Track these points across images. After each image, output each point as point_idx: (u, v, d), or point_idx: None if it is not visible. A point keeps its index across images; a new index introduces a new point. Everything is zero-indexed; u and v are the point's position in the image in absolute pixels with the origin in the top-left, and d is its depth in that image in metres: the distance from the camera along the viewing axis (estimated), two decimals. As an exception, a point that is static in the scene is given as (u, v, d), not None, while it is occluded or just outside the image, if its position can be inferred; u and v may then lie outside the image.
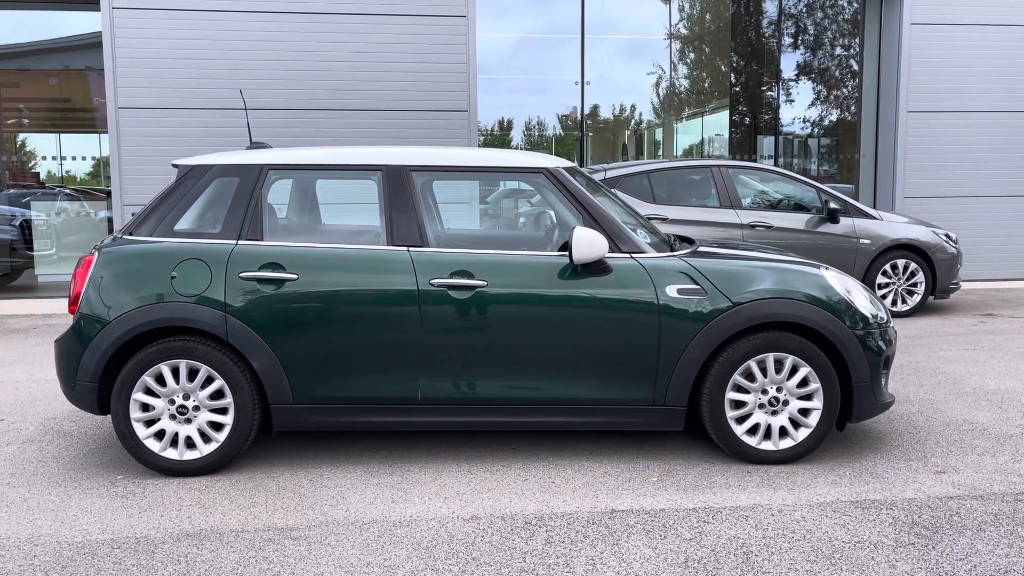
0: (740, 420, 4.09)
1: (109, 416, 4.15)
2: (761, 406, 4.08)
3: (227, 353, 3.93)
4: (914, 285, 8.35)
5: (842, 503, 3.63)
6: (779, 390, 4.06)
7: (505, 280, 3.96)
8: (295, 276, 3.93)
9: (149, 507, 3.64)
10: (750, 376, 4.05)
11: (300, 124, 9.60)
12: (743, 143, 13.96)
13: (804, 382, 4.06)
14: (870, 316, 4.11)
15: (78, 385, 3.97)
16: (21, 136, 11.91)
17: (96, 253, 4.05)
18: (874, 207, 11.34)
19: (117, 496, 3.76)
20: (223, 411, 3.98)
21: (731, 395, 4.04)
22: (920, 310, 8.43)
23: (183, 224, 4.07)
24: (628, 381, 4.00)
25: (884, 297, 8.29)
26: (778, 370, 4.05)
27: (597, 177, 8.04)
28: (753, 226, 7.98)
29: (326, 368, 3.94)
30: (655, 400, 4.03)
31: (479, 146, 10.12)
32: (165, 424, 3.97)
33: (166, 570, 3.06)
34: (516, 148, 13.24)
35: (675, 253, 4.14)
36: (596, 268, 3.99)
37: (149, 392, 3.95)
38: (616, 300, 3.97)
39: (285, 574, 3.03)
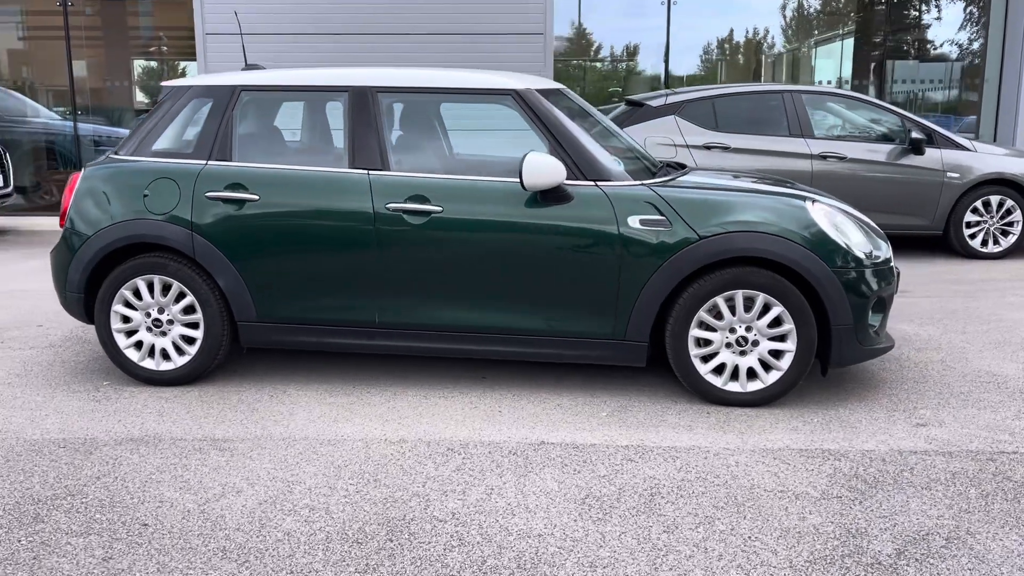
0: (706, 359, 3.89)
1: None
2: (728, 345, 3.86)
3: (195, 270, 4.06)
4: (1010, 224, 7.62)
5: (789, 451, 3.42)
6: (748, 329, 3.83)
7: (461, 206, 3.89)
8: (256, 197, 3.99)
9: (114, 412, 3.85)
10: (718, 314, 3.83)
11: (365, 51, 9.65)
12: (863, 69, 13.01)
13: (777, 322, 3.82)
14: (858, 254, 3.79)
15: (68, 295, 4.21)
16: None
17: (82, 172, 4.24)
18: (994, 140, 10.38)
19: (92, 400, 4.00)
20: (195, 326, 4.13)
21: (696, 332, 3.85)
22: (1015, 252, 7.71)
23: (161, 144, 4.19)
24: (587, 314, 3.87)
25: (973, 237, 7.62)
26: (748, 308, 3.82)
27: (656, 103, 7.71)
28: (824, 156, 7.47)
29: (287, 288, 4.01)
30: (615, 334, 3.89)
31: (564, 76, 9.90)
32: (143, 336, 4.17)
33: (92, 470, 3.25)
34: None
35: (644, 182, 3.93)
36: (555, 195, 3.85)
37: (128, 305, 4.15)
38: (575, 229, 3.83)
39: (193, 481, 3.15)
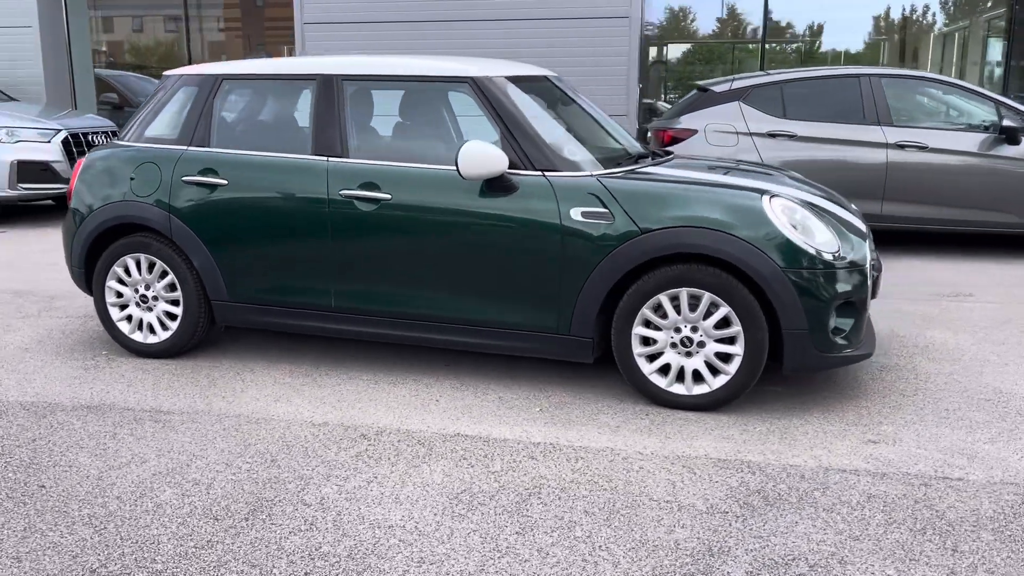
0: (652, 359, 3.74)
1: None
2: (674, 346, 3.70)
3: (174, 250, 4.29)
4: (1122, 225, 6.82)
5: (705, 460, 3.25)
6: (694, 330, 3.65)
7: (410, 194, 3.90)
8: (225, 182, 4.16)
9: (92, 380, 4.14)
10: (664, 312, 3.67)
11: (448, 37, 9.75)
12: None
13: (725, 323, 3.61)
14: (818, 253, 3.52)
15: (72, 269, 4.55)
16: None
17: (87, 155, 4.55)
18: None
19: (82, 369, 4.31)
20: (177, 303, 4.37)
21: (640, 330, 3.70)
22: None
23: (153, 130, 4.44)
24: (532, 306, 3.81)
25: (1076, 237, 6.87)
26: (694, 307, 3.63)
27: (720, 88, 7.39)
28: (902, 146, 6.93)
29: (253, 269, 4.17)
30: (559, 329, 3.80)
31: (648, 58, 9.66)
32: (132, 310, 4.45)
33: (34, 432, 3.51)
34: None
35: (594, 172, 3.80)
36: (501, 185, 3.79)
37: (120, 281, 4.43)
38: (519, 219, 3.76)
39: (111, 449, 3.35)
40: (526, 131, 3.85)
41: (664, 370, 3.73)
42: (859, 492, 2.99)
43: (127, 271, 4.41)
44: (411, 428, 3.55)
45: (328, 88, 4.11)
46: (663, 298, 3.64)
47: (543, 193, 3.74)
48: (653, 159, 4.30)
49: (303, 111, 4.25)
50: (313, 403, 3.83)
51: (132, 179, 4.31)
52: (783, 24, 12.44)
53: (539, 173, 3.79)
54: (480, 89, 3.93)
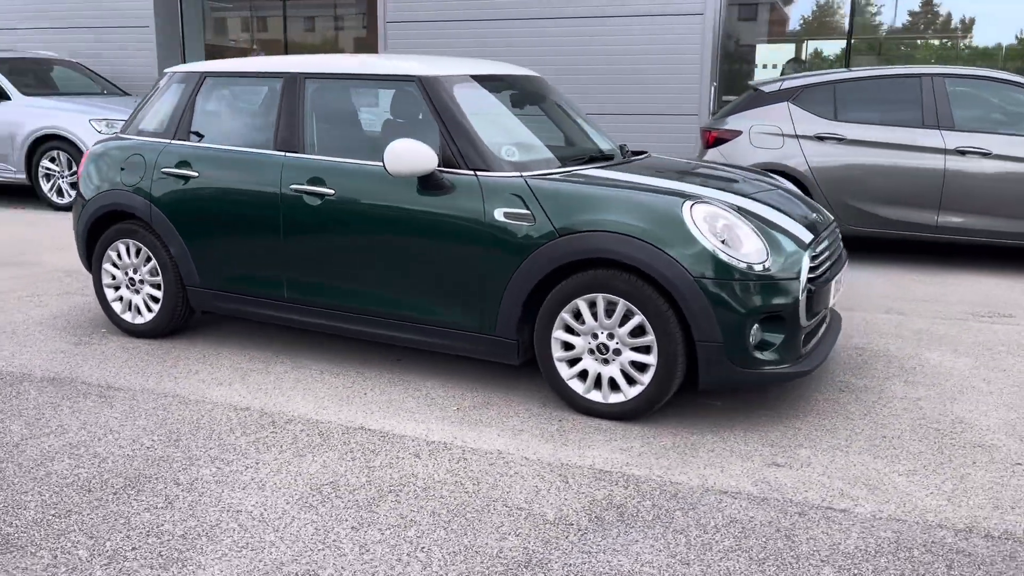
0: (573, 363, 3.68)
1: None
2: (591, 352, 3.62)
3: (156, 237, 4.56)
4: None
5: (586, 470, 3.18)
6: (611, 337, 3.57)
7: (352, 190, 3.99)
8: (196, 174, 4.38)
9: (75, 355, 4.46)
10: (583, 317, 3.61)
11: (524, 35, 9.77)
12: None
13: (641, 331, 3.51)
14: (736, 264, 3.36)
15: (78, 250, 4.92)
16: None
17: (91, 146, 4.90)
18: None
19: (73, 344, 4.65)
20: (159, 287, 4.64)
21: (559, 334, 3.65)
22: None
23: (146, 124, 4.73)
24: (461, 305, 3.82)
25: None
26: (611, 314, 3.55)
27: (770, 88, 7.09)
28: (962, 152, 6.43)
29: (219, 258, 4.38)
30: (486, 329, 3.80)
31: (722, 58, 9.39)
32: (123, 292, 4.76)
33: (-7, 400, 3.84)
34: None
35: (524, 172, 3.77)
36: (432, 183, 3.82)
37: (114, 264, 4.75)
38: (447, 218, 3.78)
39: (46, 419, 3.62)
40: (463, 130, 3.86)
41: (585, 376, 3.66)
42: (724, 516, 2.85)
43: (119, 255, 4.71)
44: (321, 419, 3.64)
45: (292, 86, 4.26)
46: (581, 303, 3.57)
47: (472, 192, 3.75)
48: (621, 159, 4.21)
49: (272, 108, 4.41)
50: (251, 389, 3.98)
51: (122, 169, 4.61)
52: (933, 16, 11.60)
53: (471, 172, 3.79)
54: (424, 88, 3.97)
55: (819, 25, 11.36)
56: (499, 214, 3.67)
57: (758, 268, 3.39)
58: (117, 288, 4.78)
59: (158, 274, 4.60)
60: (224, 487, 3.04)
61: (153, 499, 2.95)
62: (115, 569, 2.54)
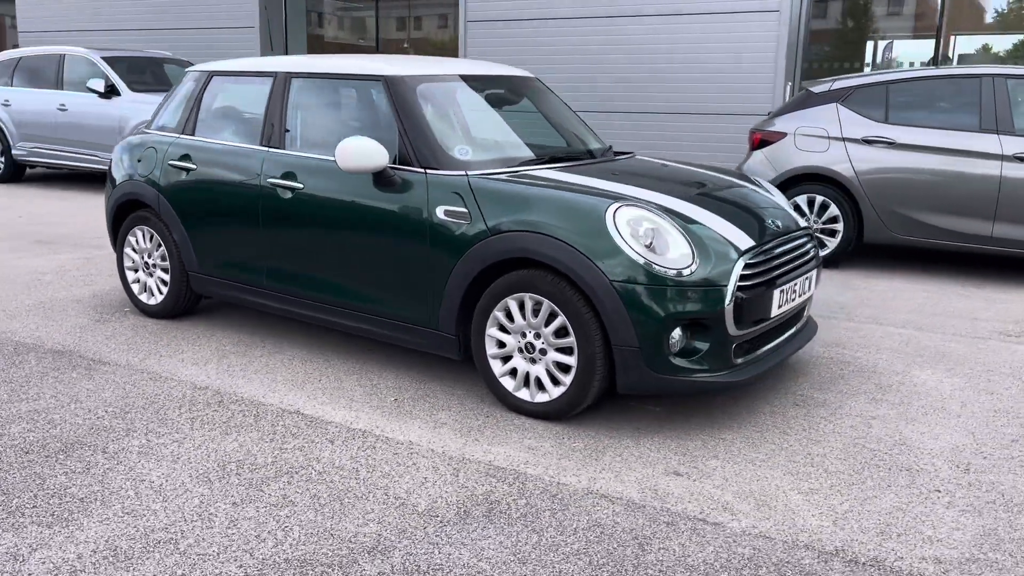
0: (506, 360, 3.73)
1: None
2: (521, 351, 3.66)
3: (163, 225, 4.90)
4: None
5: (482, 466, 3.23)
6: (537, 337, 3.60)
7: (317, 185, 4.17)
8: (194, 167, 4.69)
9: (89, 331, 4.86)
10: (512, 315, 3.65)
11: (602, 33, 9.75)
12: None
13: (565, 332, 3.53)
14: (655, 268, 3.33)
15: (108, 232, 5.34)
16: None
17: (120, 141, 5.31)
18: None
19: (93, 321, 5.06)
20: (167, 270, 4.99)
21: (492, 332, 3.71)
22: None
23: (163, 120, 5.08)
24: (407, 299, 3.94)
25: None
26: (538, 314, 3.58)
27: (819, 88, 6.82)
28: (1021, 158, 6.00)
29: (212, 246, 4.66)
30: (430, 323, 3.90)
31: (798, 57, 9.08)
32: (140, 274, 5.14)
33: (-4, 367, 4.26)
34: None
35: (469, 171, 3.84)
36: (384, 180, 3.95)
37: (133, 249, 5.14)
38: (396, 214, 3.91)
39: (29, 386, 3.97)
40: (417, 129, 3.97)
41: (515, 374, 3.70)
42: (590, 519, 2.84)
43: (137, 240, 5.09)
44: (265, 401, 3.84)
45: (279, 84, 4.48)
46: (511, 302, 3.62)
47: (419, 189, 3.85)
48: (592, 159, 4.24)
49: (263, 105, 4.64)
50: (220, 370, 4.24)
51: (139, 161, 4.98)
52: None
53: (421, 170, 3.89)
54: (387, 88, 4.10)
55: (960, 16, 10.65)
56: (440, 212, 3.76)
57: (679, 274, 3.33)
58: (136, 270, 5.15)
59: (167, 259, 4.94)
60: (143, 458, 3.27)
61: (75, 464, 3.22)
62: (8, 524, 2.80)
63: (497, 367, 3.72)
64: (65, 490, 3.02)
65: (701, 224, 3.54)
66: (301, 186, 4.20)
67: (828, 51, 10.57)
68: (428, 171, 3.87)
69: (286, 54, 12.65)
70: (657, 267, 3.32)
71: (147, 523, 2.81)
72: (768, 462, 3.28)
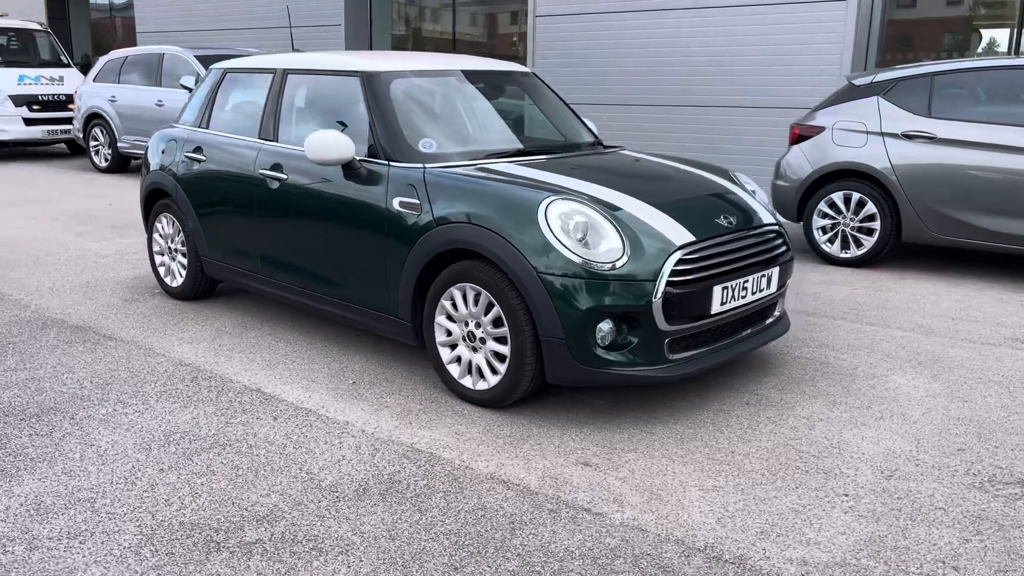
0: (453, 347, 3.85)
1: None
2: (465, 339, 3.76)
3: (181, 212, 5.24)
4: None
5: (404, 448, 3.35)
6: (478, 326, 3.69)
7: (301, 176, 4.39)
8: (204, 158, 4.99)
9: (115, 309, 5.25)
10: (456, 304, 3.76)
11: (667, 26, 9.64)
12: None
13: (502, 322, 3.61)
14: (581, 261, 3.37)
15: (142, 220, 5.74)
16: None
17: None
18: None
19: (122, 301, 5.46)
20: (186, 255, 5.34)
21: (440, 320, 3.83)
22: None
23: (187, 114, 5.42)
24: (371, 287, 4.10)
25: None
26: (478, 303, 3.67)
27: (861, 81, 6.57)
28: (1070, 156, 5.63)
29: (217, 233, 4.96)
30: (390, 310, 4.05)
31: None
32: (165, 259, 5.51)
33: (20, 337, 4.66)
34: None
35: (427, 164, 3.95)
36: (350, 172, 4.11)
37: (159, 234, 5.52)
38: (359, 204, 4.07)
39: (37, 356, 4.36)
40: (385, 122, 4.11)
41: (460, 361, 3.80)
42: (478, 503, 2.93)
43: (162, 226, 5.46)
44: (234, 379, 4.08)
45: (276, 80, 4.73)
46: (455, 291, 3.72)
47: (381, 181, 4.00)
48: (566, 153, 4.32)
49: (263, 100, 4.89)
50: (209, 349, 4.52)
51: (163, 152, 5.34)
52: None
53: (385, 162, 4.04)
54: (363, 83, 4.26)
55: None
56: (396, 203, 3.90)
57: (608, 267, 3.35)
58: (162, 254, 5.53)
59: (185, 244, 5.28)
60: (102, 426, 3.56)
61: (42, 428, 3.53)
62: (-39, 476, 3.12)
63: (445, 354, 3.83)
64: (23, 450, 3.32)
65: (639, 219, 3.54)
66: (286, 177, 4.42)
67: (908, 41, 10.08)
68: (391, 163, 4.01)
69: (369, 49, 13.06)
70: (584, 260, 3.35)
71: (77, 483, 3.07)
72: (686, 458, 3.26)
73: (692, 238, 3.55)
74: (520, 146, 4.36)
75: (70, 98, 13.50)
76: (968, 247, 6.07)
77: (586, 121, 5.08)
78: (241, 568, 2.55)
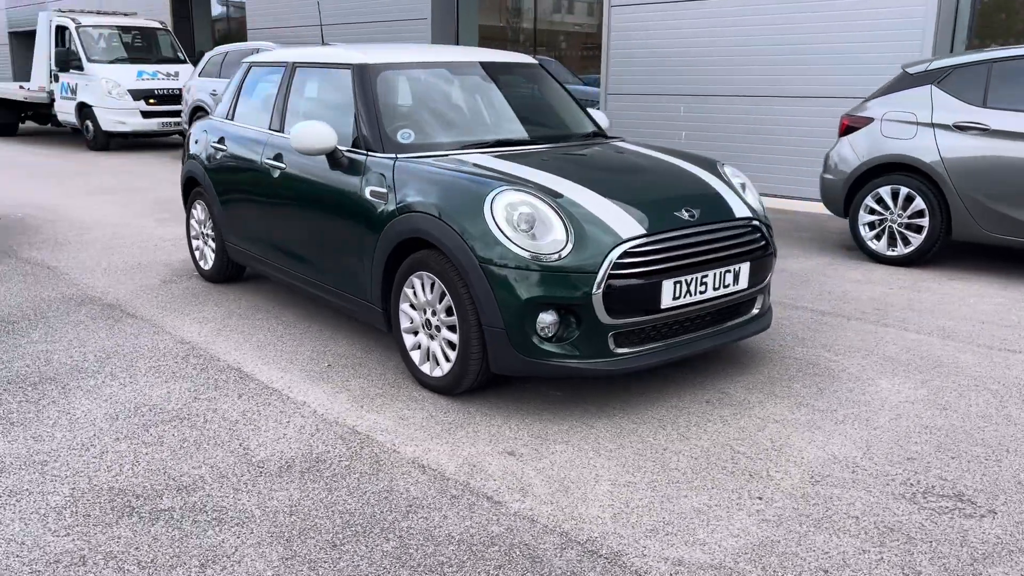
0: (416, 334, 3.93)
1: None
2: (423, 326, 3.84)
3: (210, 198, 5.53)
4: None
5: (344, 430, 3.46)
6: (434, 314, 3.76)
7: (297, 165, 4.56)
8: (225, 148, 5.25)
9: (149, 289, 5.59)
10: (416, 292, 3.84)
11: (733, 15, 9.39)
12: None
13: (452, 311, 3.67)
14: (523, 253, 3.38)
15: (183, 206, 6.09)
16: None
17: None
18: None
19: (159, 282, 5.80)
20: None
21: (404, 307, 3.92)
22: None
23: (220, 106, 5.70)
24: (349, 272, 4.23)
25: None
26: (433, 291, 3.74)
27: (915, 69, 6.22)
28: None
29: (236, 219, 5.21)
30: (366, 297, 4.17)
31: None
32: (199, 243, 5.83)
33: (57, 312, 5.05)
34: None
35: (400, 154, 4.04)
36: (333, 161, 4.25)
37: (195, 220, 5.84)
38: (341, 193, 4.19)
39: (60, 330, 4.70)
40: (368, 113, 4.22)
41: (421, 348, 3.88)
42: (388, 485, 3.00)
43: (197, 212, 5.77)
44: (223, 358, 4.29)
45: (287, 74, 4.92)
46: (415, 279, 3.79)
47: (358, 170, 4.12)
48: (560, 143, 4.34)
49: (276, 92, 5.09)
50: (214, 329, 4.76)
51: (196, 142, 5.64)
52: None
53: (364, 152, 4.15)
54: (355, 75, 4.39)
55: None
56: (368, 191, 4.00)
57: (549, 258, 3.35)
58: (197, 239, 5.84)
59: (213, 230, 5.57)
60: (85, 396, 3.82)
61: (33, 395, 3.82)
62: (-56, 436, 3.43)
63: (408, 340, 3.91)
64: (8, 415, 3.61)
65: (588, 211, 3.50)
66: (285, 166, 4.60)
67: (1006, 25, 9.43)
68: (369, 153, 4.11)
69: (456, 43, 13.25)
70: (526, 251, 3.36)
71: (40, 446, 3.32)
72: (613, 453, 3.23)
73: (641, 231, 3.49)
74: (499, 137, 4.37)
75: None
76: (1021, 246, 5.67)
77: (592, 113, 5.04)
78: (141, 532, 2.71)
